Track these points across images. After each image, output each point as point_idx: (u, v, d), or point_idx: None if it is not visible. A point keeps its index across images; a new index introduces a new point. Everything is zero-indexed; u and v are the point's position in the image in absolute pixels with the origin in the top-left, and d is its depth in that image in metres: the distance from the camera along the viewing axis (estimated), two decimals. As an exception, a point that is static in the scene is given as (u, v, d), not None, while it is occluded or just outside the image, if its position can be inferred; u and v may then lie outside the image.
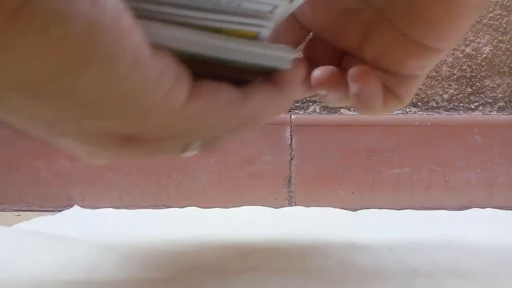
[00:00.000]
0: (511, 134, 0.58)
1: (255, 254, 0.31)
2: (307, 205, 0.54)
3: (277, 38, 0.25)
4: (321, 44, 0.26)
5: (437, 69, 0.60)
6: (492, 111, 0.60)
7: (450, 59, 0.60)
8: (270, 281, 0.25)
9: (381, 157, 0.57)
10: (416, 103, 0.60)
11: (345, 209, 0.53)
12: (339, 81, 0.24)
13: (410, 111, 0.60)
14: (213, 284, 0.24)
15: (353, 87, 0.23)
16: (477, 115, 0.60)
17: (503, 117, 0.60)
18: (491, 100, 0.60)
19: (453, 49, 0.60)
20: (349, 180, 0.56)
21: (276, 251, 0.32)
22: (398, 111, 0.59)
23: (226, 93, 0.18)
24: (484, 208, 0.55)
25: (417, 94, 0.60)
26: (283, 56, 0.20)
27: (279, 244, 0.35)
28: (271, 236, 0.38)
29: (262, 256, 0.31)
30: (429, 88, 0.60)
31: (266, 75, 0.21)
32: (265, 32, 0.20)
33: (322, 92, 0.25)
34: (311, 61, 0.26)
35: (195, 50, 0.17)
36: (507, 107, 0.60)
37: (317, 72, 0.24)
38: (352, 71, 0.23)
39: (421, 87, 0.60)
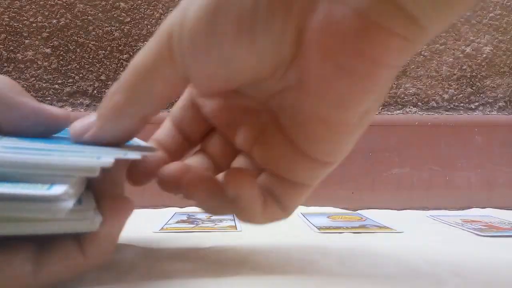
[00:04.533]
0: (511, 134, 0.58)
1: (256, 254, 0.31)
2: (307, 205, 0.54)
3: (183, 128, 0.26)
4: (219, 140, 0.26)
5: (437, 69, 0.60)
6: (492, 111, 0.60)
7: (451, 59, 0.60)
8: (270, 281, 0.25)
9: (381, 157, 0.57)
10: (416, 103, 0.60)
11: (345, 209, 0.53)
12: (214, 186, 0.23)
13: (410, 111, 0.60)
14: (213, 283, 0.24)
15: (228, 192, 0.22)
16: (477, 115, 0.60)
17: (503, 117, 0.60)
18: (491, 100, 0.60)
19: (453, 49, 0.60)
20: (349, 180, 0.56)
21: (276, 251, 0.32)
22: (398, 111, 0.59)
23: (17, 267, 0.18)
24: (484, 208, 0.55)
25: (417, 94, 0.60)
26: (89, 226, 0.19)
27: (279, 244, 0.35)
28: (271, 236, 0.38)
29: (262, 256, 0.31)
30: (429, 88, 0.60)
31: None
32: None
33: (196, 197, 0.23)
34: (208, 154, 0.26)
35: None
36: (507, 107, 0.60)
37: (189, 175, 0.22)
38: (225, 175, 0.22)
39: (421, 87, 0.60)
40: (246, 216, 0.23)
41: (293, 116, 0.21)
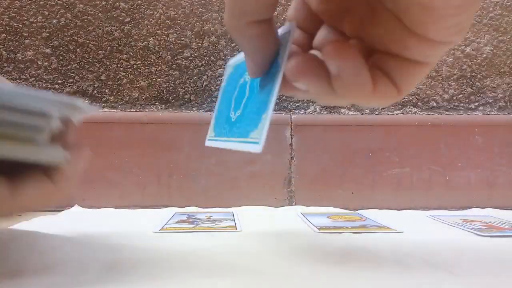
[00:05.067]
0: (511, 134, 0.58)
1: (256, 254, 0.31)
2: (307, 205, 0.54)
3: (299, 27, 0.25)
4: (330, 33, 0.24)
5: (437, 69, 0.60)
6: (492, 111, 0.60)
7: (451, 59, 0.60)
8: (270, 281, 0.25)
9: (381, 157, 0.57)
10: (417, 103, 0.60)
11: (345, 209, 0.53)
12: (317, 69, 0.22)
13: (410, 111, 0.60)
14: (213, 283, 0.24)
15: (331, 67, 0.21)
16: (477, 115, 0.60)
17: (503, 117, 0.60)
18: (491, 100, 0.60)
19: (453, 49, 0.60)
20: (349, 180, 0.56)
21: (276, 251, 0.32)
22: (398, 111, 0.59)
23: None
24: (484, 208, 0.55)
25: (417, 94, 0.60)
26: (56, 156, 0.23)
27: (279, 244, 0.35)
28: (271, 236, 0.38)
29: (262, 256, 0.31)
30: (430, 88, 0.60)
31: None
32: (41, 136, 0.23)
33: (301, 85, 0.22)
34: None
35: None
36: (507, 107, 0.60)
37: (291, 62, 0.21)
38: (325, 47, 0.21)
39: (421, 87, 0.60)
40: (355, 94, 0.21)
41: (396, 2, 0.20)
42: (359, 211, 0.52)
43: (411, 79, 0.22)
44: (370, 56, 0.22)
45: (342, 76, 0.21)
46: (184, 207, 0.53)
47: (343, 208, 0.53)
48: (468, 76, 0.60)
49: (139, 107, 0.58)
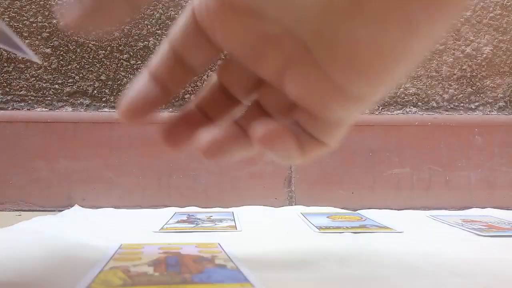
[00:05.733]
0: (511, 134, 0.58)
1: (256, 254, 0.31)
2: (307, 205, 0.54)
3: (186, 54, 0.21)
4: (236, 68, 0.22)
5: (438, 69, 0.60)
6: (492, 111, 0.60)
7: (451, 59, 0.60)
8: (270, 281, 0.25)
9: (381, 157, 0.57)
10: (417, 103, 0.60)
11: (345, 209, 0.53)
12: (238, 135, 0.21)
13: (410, 111, 0.60)
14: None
15: (258, 149, 0.20)
16: (477, 115, 0.60)
17: (503, 117, 0.60)
18: (491, 100, 0.60)
19: (453, 49, 0.60)
20: (349, 180, 0.56)
21: (276, 251, 0.32)
22: (398, 111, 0.59)
23: None
24: (484, 208, 0.55)
25: (417, 94, 0.60)
26: None
27: (279, 244, 0.35)
28: (271, 236, 0.38)
29: (262, 256, 0.31)
30: (430, 88, 0.60)
31: None
32: None
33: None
34: (225, 87, 0.23)
35: None
36: (507, 107, 0.60)
37: (206, 136, 0.20)
38: (254, 132, 0.19)
39: (421, 87, 0.60)
40: (284, 159, 0.21)
41: (331, 45, 0.18)
42: (359, 211, 0.52)
43: (333, 136, 0.21)
44: (290, 110, 0.21)
45: (271, 153, 0.20)
46: (184, 207, 0.53)
47: (343, 208, 0.53)
48: (468, 76, 0.60)
49: (139, 107, 0.58)
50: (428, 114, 0.59)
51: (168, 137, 0.22)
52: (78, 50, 0.58)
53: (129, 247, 0.31)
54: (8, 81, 0.57)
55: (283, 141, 0.20)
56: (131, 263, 0.27)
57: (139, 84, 0.22)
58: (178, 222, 0.43)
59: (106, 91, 0.58)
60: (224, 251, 0.30)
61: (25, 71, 0.57)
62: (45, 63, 0.57)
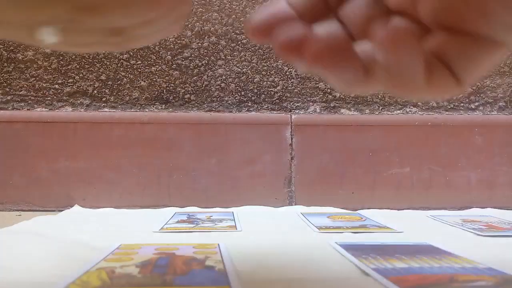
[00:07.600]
0: (511, 134, 0.58)
1: (256, 254, 0.31)
2: (307, 205, 0.54)
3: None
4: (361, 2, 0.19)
5: (437, 69, 0.60)
6: (492, 111, 0.60)
7: (450, 59, 0.60)
8: (270, 281, 0.25)
9: (381, 157, 0.57)
10: (417, 103, 0.60)
11: (345, 209, 0.53)
12: (347, 55, 0.17)
13: (410, 111, 0.60)
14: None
15: (379, 56, 0.16)
16: (477, 115, 0.60)
17: (503, 117, 0.60)
18: (491, 100, 0.60)
19: (453, 49, 0.60)
20: (349, 180, 0.56)
21: (276, 251, 0.32)
22: (398, 111, 0.59)
23: None
24: (484, 208, 0.55)
25: (417, 94, 0.60)
26: None
27: (279, 244, 0.35)
28: (271, 236, 0.38)
29: (262, 256, 0.31)
30: (429, 88, 0.60)
31: None
32: None
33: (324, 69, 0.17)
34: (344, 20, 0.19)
35: None
36: (507, 107, 0.60)
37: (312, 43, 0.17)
38: (380, 31, 0.16)
39: (421, 87, 0.60)
40: (403, 87, 0.17)
41: None
42: (359, 211, 0.52)
43: (475, 64, 0.17)
44: (422, 36, 0.17)
45: (392, 68, 0.16)
46: (184, 207, 0.53)
47: (343, 208, 0.53)
48: (468, 76, 0.60)
49: (139, 107, 0.58)
50: (428, 114, 0.59)
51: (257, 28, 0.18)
52: (78, 50, 0.58)
53: (127, 248, 0.31)
54: (8, 81, 0.57)
55: (412, 46, 0.16)
56: (120, 264, 0.27)
57: (276, 6, 0.19)
58: (178, 222, 0.43)
59: (106, 91, 0.58)
60: (220, 252, 0.30)
61: (25, 71, 0.57)
62: (45, 63, 0.57)
